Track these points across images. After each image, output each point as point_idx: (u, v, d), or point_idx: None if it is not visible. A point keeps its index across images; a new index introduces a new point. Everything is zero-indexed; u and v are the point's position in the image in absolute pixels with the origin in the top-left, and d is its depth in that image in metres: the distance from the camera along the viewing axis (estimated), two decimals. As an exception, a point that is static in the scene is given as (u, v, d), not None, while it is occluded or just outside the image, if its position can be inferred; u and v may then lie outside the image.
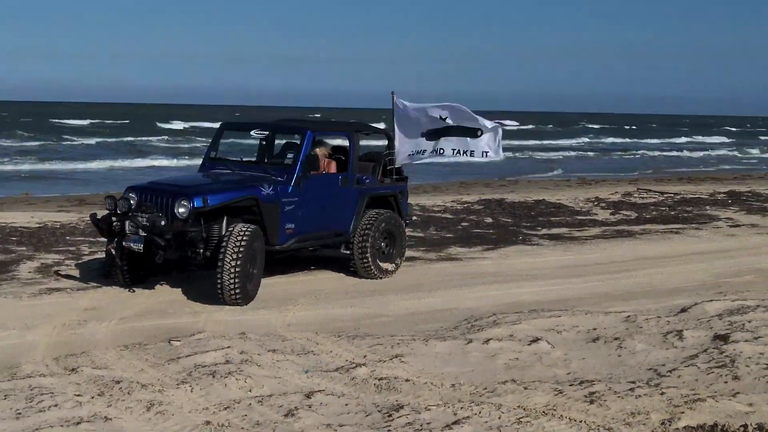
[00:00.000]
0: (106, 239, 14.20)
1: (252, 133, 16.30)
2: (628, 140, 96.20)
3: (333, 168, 15.75)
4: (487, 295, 14.56)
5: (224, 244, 13.30)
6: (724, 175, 45.80)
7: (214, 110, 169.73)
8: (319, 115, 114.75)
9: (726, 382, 9.29)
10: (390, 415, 8.20)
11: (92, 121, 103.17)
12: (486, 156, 16.23)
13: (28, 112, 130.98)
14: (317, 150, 15.42)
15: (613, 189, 32.73)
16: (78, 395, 8.75)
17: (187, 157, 49.48)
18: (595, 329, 11.64)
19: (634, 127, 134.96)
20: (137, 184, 14.69)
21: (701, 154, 71.93)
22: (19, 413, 8.22)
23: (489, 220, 23.37)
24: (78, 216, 21.66)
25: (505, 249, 19.01)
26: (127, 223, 13.61)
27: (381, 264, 15.78)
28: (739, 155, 72.84)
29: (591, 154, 69.57)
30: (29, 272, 15.32)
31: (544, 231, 21.74)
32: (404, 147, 16.42)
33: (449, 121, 16.12)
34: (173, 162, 48.29)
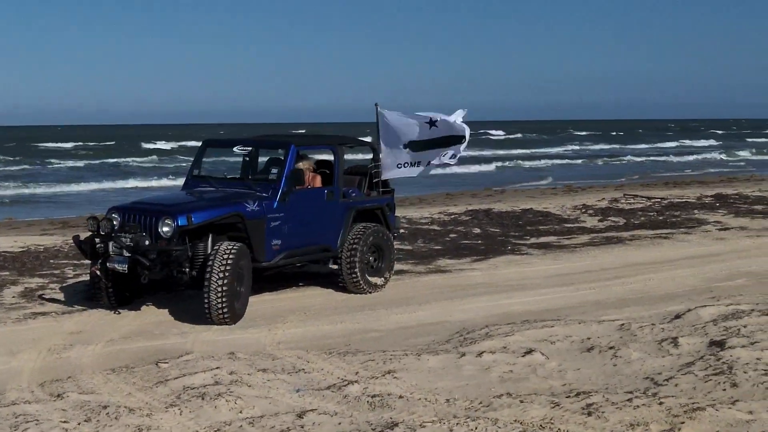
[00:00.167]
0: (90, 261, 14.04)
1: (235, 149, 16.09)
2: (616, 146, 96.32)
3: (318, 182, 15.60)
4: (477, 307, 14.42)
5: (210, 262, 13.14)
6: (710, 178, 45.79)
7: (199, 129, 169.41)
8: (304, 131, 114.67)
9: (724, 390, 9.12)
10: (385, 434, 8.04)
11: (76, 143, 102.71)
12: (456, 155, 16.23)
13: (11, 136, 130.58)
14: (302, 164, 15.27)
15: (599, 195, 32.66)
16: (64, 422, 8.55)
17: (172, 177, 49.22)
18: (589, 339, 11.48)
19: (621, 133, 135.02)
20: (120, 204, 14.54)
21: (691, 158, 71.86)
22: (4, 442, 8.05)
23: (477, 230, 23.23)
24: (62, 239, 21.47)
25: (494, 259, 18.87)
26: (110, 243, 13.47)
27: (370, 278, 15.61)
28: (728, 158, 72.84)
29: (578, 161, 69.39)
30: (13, 297, 15.15)
31: (533, 240, 21.60)
32: (390, 159, 16.30)
33: (435, 131, 16.02)
34: (158, 182, 48.00)
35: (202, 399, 9.06)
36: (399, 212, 17.16)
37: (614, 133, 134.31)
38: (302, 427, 8.24)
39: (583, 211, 27.28)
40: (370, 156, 16.85)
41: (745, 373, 9.54)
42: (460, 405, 8.90)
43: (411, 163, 16.32)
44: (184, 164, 62.11)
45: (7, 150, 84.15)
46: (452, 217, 25.80)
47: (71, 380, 10.26)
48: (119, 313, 13.91)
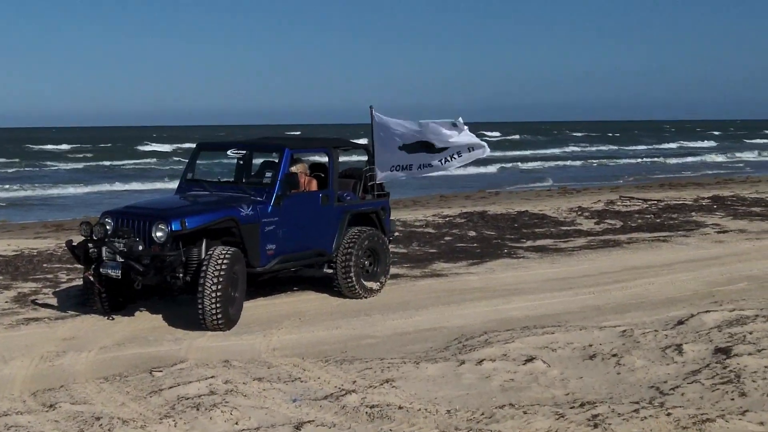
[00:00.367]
0: (83, 266, 13.84)
1: (229, 152, 15.91)
2: (613, 147, 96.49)
3: (313, 186, 15.41)
4: (475, 312, 14.23)
5: (204, 267, 12.96)
6: (706, 180, 45.65)
7: (194, 131, 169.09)
8: (299, 132, 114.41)
9: (733, 399, 8.93)
10: (384, 446, 7.84)
11: (71, 145, 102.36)
12: (460, 156, 16.01)
13: (7, 137, 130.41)
14: (296, 167, 15.09)
15: (595, 197, 32.47)
16: (56, 434, 8.36)
17: (167, 179, 48.99)
18: (590, 346, 11.29)
19: (617, 135, 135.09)
20: (113, 208, 14.34)
21: (686, 159, 71.75)
22: (-6, 456, 7.84)
23: (472, 233, 23.03)
24: (55, 242, 21.25)
25: (490, 263, 18.67)
26: (103, 249, 13.30)
27: (365, 283, 15.41)
28: (724, 160, 72.69)
29: (576, 163, 69.20)
30: (6, 302, 14.94)
31: (529, 243, 21.41)
32: (384, 162, 16.10)
33: (432, 136, 15.85)
34: (153, 185, 47.71)
35: (197, 410, 8.85)
36: (392, 215, 16.97)
37: (610, 135, 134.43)
38: (300, 440, 8.05)
39: (579, 213, 27.09)
40: (364, 158, 16.66)
41: (753, 381, 9.35)
42: (461, 416, 8.70)
43: (405, 166, 16.13)
44: (178, 167, 61.89)
45: (2, 152, 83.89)
46: (447, 219, 25.60)
47: (64, 389, 10.05)
48: (113, 318, 13.71)
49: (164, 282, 13.38)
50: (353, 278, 15.17)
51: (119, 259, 13.13)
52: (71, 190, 45.63)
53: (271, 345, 12.31)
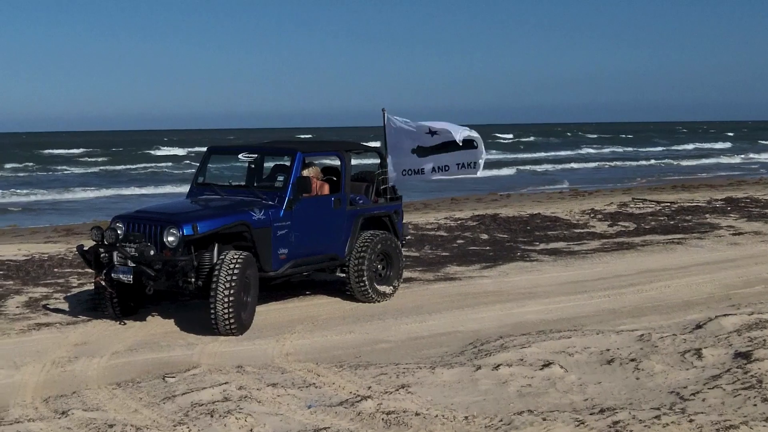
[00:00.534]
0: (94, 271, 13.75)
1: (240, 156, 15.80)
2: (629, 149, 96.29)
3: (325, 189, 15.29)
4: (490, 316, 14.11)
5: (216, 272, 12.85)
6: (718, 181, 45.42)
7: (206, 135, 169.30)
8: (311, 136, 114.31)
9: (755, 405, 8.77)
10: (402, 454, 7.72)
11: (83, 149, 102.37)
12: (475, 167, 15.93)
13: (20, 142, 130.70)
14: (308, 171, 14.97)
15: (607, 200, 32.33)
16: (69, 442, 8.26)
17: (178, 183, 48.93)
18: (608, 350, 11.14)
19: (630, 136, 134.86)
20: (124, 213, 14.24)
21: (700, 161, 71.47)
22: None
23: (485, 236, 22.91)
24: (66, 247, 21.19)
25: (504, 266, 18.54)
26: (115, 254, 13.20)
27: (378, 287, 15.30)
28: (737, 161, 72.37)
29: (589, 165, 68.93)
30: (17, 307, 14.86)
31: (542, 246, 21.28)
32: (397, 164, 16.01)
33: (437, 138, 15.76)
34: (164, 189, 47.61)
35: (211, 416, 8.75)
36: (404, 218, 16.85)
37: (623, 136, 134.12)
38: (316, 447, 7.93)
39: (592, 215, 26.94)
40: (377, 161, 16.54)
41: (776, 387, 9.21)
42: (479, 423, 8.56)
43: (417, 170, 16.04)
44: (189, 171, 61.86)
45: (14, 156, 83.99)
46: (458, 222, 25.48)
47: (76, 396, 9.96)
48: (124, 323, 13.62)
49: (176, 287, 13.28)
50: (366, 282, 15.06)
51: (131, 263, 13.03)
52: (82, 194, 45.64)
53: (285, 350, 12.19)
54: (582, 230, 24.01)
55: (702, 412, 8.49)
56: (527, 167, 64.57)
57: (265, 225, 13.77)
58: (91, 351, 12.17)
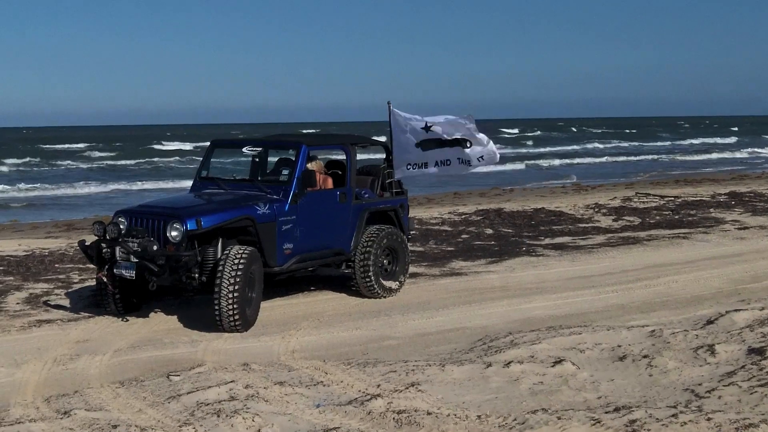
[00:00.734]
0: (95, 266, 13.57)
1: (244, 150, 15.61)
2: (634, 144, 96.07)
3: (329, 183, 15.12)
4: (497, 312, 13.94)
5: (220, 268, 12.67)
6: (721, 175, 45.20)
7: (209, 129, 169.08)
8: (315, 130, 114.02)
9: (773, 402, 8.60)
10: (415, 455, 7.53)
11: (86, 144, 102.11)
12: (481, 161, 15.80)
13: (23, 137, 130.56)
14: (313, 165, 14.79)
15: (611, 194, 32.15)
16: (72, 443, 8.08)
17: (181, 178, 48.71)
18: (619, 346, 10.96)
19: (634, 131, 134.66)
20: (127, 207, 14.08)
21: (703, 156, 71.26)
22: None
23: (489, 231, 22.74)
24: (67, 242, 21.01)
25: (509, 261, 18.37)
26: (117, 249, 13.03)
27: (384, 282, 15.13)
28: (740, 156, 72.19)
29: (594, 160, 68.65)
30: (17, 303, 14.68)
31: (548, 240, 21.12)
32: (402, 159, 15.84)
33: (439, 131, 15.62)
34: (166, 184, 47.40)
35: (218, 416, 8.57)
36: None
37: (627, 131, 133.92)
38: (326, 447, 7.75)
39: (596, 210, 26.76)
40: (382, 155, 16.37)
41: (792, 383, 9.03)
42: (493, 422, 8.37)
43: (420, 164, 15.88)
44: (192, 166, 61.62)
45: (15, 151, 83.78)
46: (463, 217, 25.30)
47: (78, 395, 9.77)
48: (127, 320, 13.44)
49: (179, 282, 13.11)
50: (372, 277, 14.89)
51: (133, 259, 12.87)
52: (85, 189, 45.39)
53: (290, 347, 12.01)
54: (587, 225, 23.84)
55: (719, 411, 8.30)
56: (533, 162, 64.29)
57: (269, 219, 13.60)
58: (93, 348, 11.99)
